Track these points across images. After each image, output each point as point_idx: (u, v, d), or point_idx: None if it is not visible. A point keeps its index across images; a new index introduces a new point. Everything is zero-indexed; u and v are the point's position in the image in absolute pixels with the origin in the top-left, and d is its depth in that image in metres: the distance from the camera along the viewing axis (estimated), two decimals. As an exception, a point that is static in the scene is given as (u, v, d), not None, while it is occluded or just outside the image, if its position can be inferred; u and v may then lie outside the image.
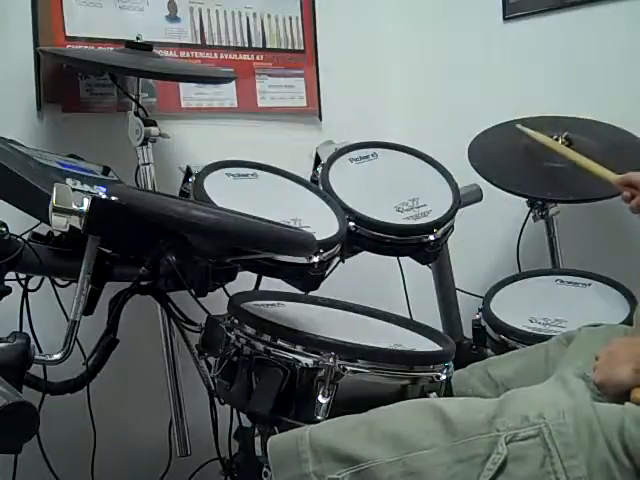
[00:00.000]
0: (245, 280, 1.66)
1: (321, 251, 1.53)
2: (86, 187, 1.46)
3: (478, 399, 1.12)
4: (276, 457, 1.12)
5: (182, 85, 2.05)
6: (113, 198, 1.21)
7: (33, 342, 1.23)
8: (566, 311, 1.66)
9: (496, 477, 0.99)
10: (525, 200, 1.98)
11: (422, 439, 1.03)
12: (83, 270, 1.26)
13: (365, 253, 1.74)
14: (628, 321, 1.55)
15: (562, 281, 1.79)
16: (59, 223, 1.18)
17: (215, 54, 2.12)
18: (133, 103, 1.80)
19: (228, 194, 1.57)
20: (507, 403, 1.05)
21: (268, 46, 2.21)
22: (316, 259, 1.53)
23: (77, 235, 1.24)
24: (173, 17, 2.04)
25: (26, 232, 1.38)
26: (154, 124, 1.77)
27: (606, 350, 1.16)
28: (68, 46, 1.86)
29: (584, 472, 0.97)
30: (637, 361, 1.08)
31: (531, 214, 2.00)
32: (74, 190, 1.32)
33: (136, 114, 1.78)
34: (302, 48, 2.28)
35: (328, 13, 2.32)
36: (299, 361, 1.27)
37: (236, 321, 1.36)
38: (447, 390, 1.34)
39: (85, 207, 1.19)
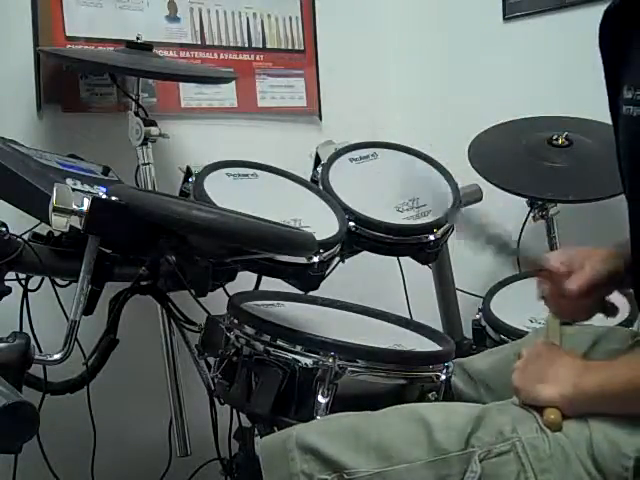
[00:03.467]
0: (245, 280, 1.66)
1: (321, 251, 1.53)
2: (86, 187, 1.46)
3: (463, 408, 1.11)
4: (265, 457, 1.12)
5: (182, 85, 2.05)
6: (113, 198, 1.22)
7: (33, 342, 1.23)
8: (566, 311, 1.66)
9: None
10: (525, 200, 1.98)
11: (405, 452, 1.03)
12: (83, 270, 1.26)
13: (365, 253, 1.74)
14: (626, 322, 1.55)
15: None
16: (59, 223, 1.18)
17: (215, 54, 2.12)
18: (133, 103, 1.80)
19: (228, 194, 1.57)
20: (484, 417, 1.04)
21: (268, 46, 2.21)
22: (316, 259, 1.53)
23: (77, 235, 1.24)
24: (173, 17, 2.04)
25: (26, 232, 1.38)
26: (154, 124, 1.77)
27: (533, 354, 1.11)
28: (68, 46, 1.86)
29: None
30: (565, 386, 1.02)
31: (531, 214, 1.99)
32: (74, 190, 1.32)
33: (136, 114, 1.78)
34: (302, 48, 2.28)
35: (328, 13, 2.32)
36: (299, 361, 1.27)
37: (236, 321, 1.36)
38: (447, 390, 1.34)
39: (85, 207, 1.19)
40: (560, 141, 1.90)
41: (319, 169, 1.77)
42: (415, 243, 1.70)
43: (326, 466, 1.04)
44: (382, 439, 1.04)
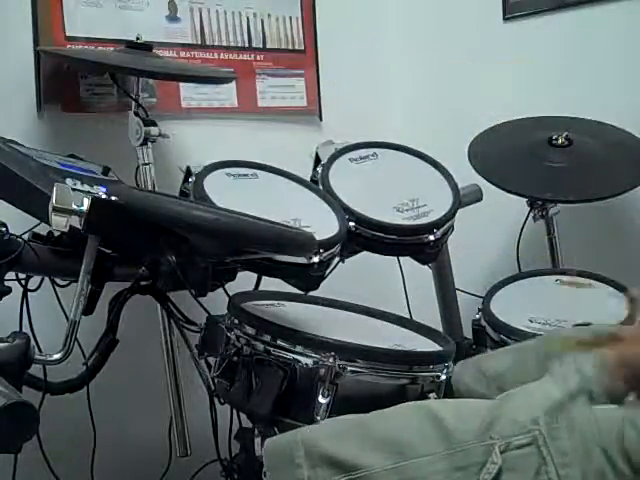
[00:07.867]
0: (245, 280, 1.66)
1: (321, 251, 1.53)
2: (86, 187, 1.46)
3: (475, 401, 1.11)
4: (271, 461, 1.12)
5: (182, 85, 2.05)
6: (113, 198, 1.21)
7: (33, 342, 1.23)
8: (566, 311, 1.66)
9: None
10: (525, 200, 1.98)
11: (418, 446, 1.02)
12: (83, 270, 1.26)
13: (365, 253, 1.74)
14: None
15: (562, 281, 1.79)
16: (59, 223, 1.18)
17: (215, 54, 2.12)
18: (133, 103, 1.80)
19: (228, 194, 1.57)
20: (502, 408, 1.03)
21: (268, 46, 2.21)
22: (316, 259, 1.53)
23: (77, 235, 1.24)
24: (173, 17, 2.04)
25: (26, 232, 1.38)
26: (154, 124, 1.77)
27: None
28: (68, 46, 1.86)
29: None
30: None
31: (531, 214, 1.99)
32: (74, 190, 1.32)
33: (136, 114, 1.78)
34: (302, 48, 2.28)
35: (328, 13, 2.32)
36: (299, 361, 1.27)
37: (236, 321, 1.36)
38: (447, 390, 1.34)
39: (85, 207, 1.19)
40: (560, 141, 1.90)
41: (319, 169, 1.77)
42: (415, 243, 1.70)
43: (335, 469, 1.04)
44: (391, 435, 1.04)
